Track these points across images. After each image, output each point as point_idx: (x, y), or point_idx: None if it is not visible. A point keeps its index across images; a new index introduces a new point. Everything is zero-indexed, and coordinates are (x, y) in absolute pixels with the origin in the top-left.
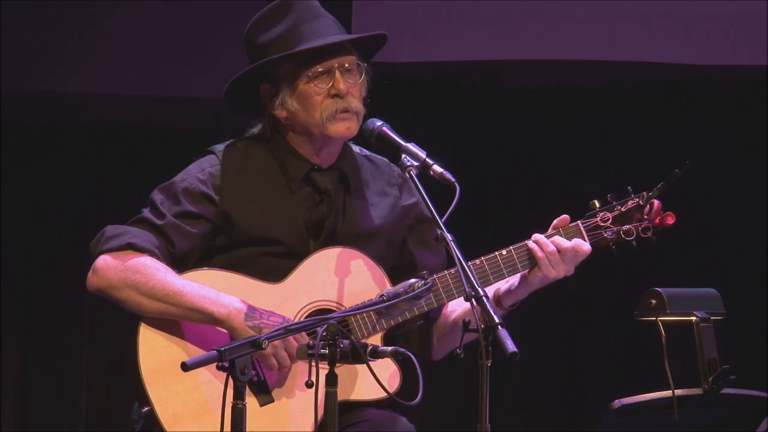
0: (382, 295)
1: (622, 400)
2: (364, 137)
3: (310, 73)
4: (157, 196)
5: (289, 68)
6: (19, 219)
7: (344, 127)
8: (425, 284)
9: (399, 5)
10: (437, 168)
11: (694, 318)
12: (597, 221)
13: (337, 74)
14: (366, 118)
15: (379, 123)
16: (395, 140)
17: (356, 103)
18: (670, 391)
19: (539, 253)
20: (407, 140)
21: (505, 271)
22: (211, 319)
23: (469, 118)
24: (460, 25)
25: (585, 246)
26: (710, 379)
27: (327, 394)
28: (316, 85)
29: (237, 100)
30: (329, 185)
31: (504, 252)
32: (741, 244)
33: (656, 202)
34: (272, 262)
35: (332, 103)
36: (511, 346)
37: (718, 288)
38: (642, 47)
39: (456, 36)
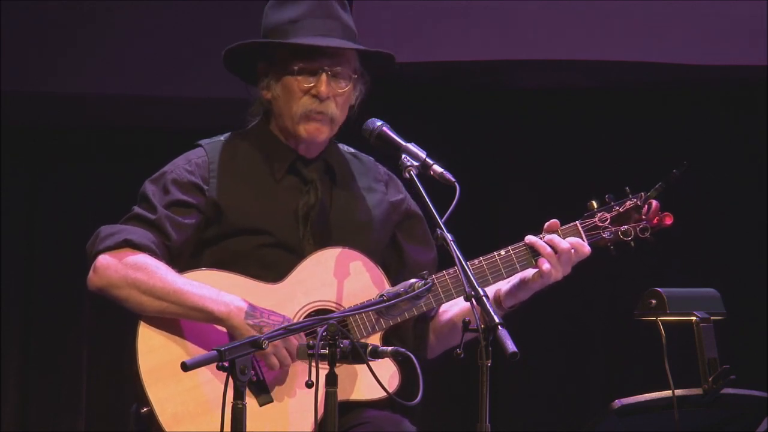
0: (382, 295)
1: (622, 400)
2: (364, 137)
3: (297, 68)
4: (146, 190)
5: (284, 55)
6: (19, 219)
7: (313, 128)
8: (425, 284)
9: (399, 5)
10: (437, 168)
11: (694, 318)
12: (595, 221)
13: (323, 77)
14: (366, 118)
15: (379, 123)
16: (395, 140)
17: (334, 109)
18: (670, 391)
19: (546, 250)
20: (407, 140)
21: (503, 272)
22: (211, 318)
23: (468, 118)
24: (460, 25)
25: (585, 248)
26: (710, 379)
27: (327, 394)
28: (301, 81)
29: (235, 67)
30: (315, 176)
31: (502, 252)
32: (741, 245)
33: (654, 203)
34: (264, 253)
35: (310, 101)
36: (511, 346)
37: (718, 288)
38: (642, 47)
39: (456, 36)
